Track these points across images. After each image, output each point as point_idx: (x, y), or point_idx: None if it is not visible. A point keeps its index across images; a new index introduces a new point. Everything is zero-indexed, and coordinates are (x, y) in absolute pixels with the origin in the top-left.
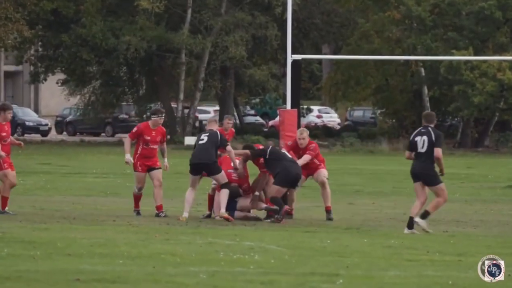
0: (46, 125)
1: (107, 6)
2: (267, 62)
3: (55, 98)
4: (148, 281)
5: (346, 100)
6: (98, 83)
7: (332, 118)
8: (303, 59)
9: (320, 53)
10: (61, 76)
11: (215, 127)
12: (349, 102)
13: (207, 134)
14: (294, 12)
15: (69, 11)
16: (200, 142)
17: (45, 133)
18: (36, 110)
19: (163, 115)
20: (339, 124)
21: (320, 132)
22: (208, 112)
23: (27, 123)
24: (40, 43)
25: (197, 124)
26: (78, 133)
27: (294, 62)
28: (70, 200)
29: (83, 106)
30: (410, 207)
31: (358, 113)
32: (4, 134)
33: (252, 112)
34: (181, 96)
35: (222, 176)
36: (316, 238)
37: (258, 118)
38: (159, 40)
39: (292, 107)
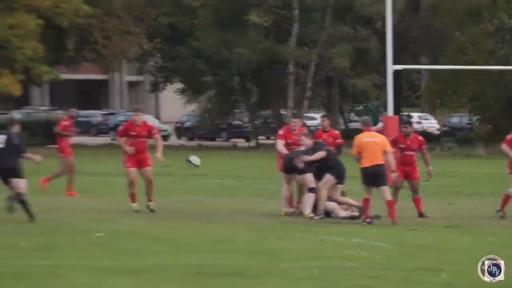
0: (166, 130)
1: (220, 21)
2: (370, 72)
3: (174, 105)
4: (265, 275)
5: (444, 107)
6: (213, 92)
7: (431, 124)
8: (403, 69)
9: (419, 64)
10: (179, 85)
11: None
12: (446, 109)
13: None
14: (393, 26)
15: (185, 25)
16: None
17: (165, 138)
18: (157, 117)
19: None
20: (438, 129)
21: None
22: (315, 119)
23: None
24: (159, 55)
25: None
26: (195, 138)
27: (395, 72)
28: (191, 199)
29: (199, 113)
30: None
31: (455, 120)
32: (134, 133)
33: (356, 118)
34: (290, 104)
35: (309, 180)
36: (419, 236)
37: None
38: (268, 52)
39: (393, 114)
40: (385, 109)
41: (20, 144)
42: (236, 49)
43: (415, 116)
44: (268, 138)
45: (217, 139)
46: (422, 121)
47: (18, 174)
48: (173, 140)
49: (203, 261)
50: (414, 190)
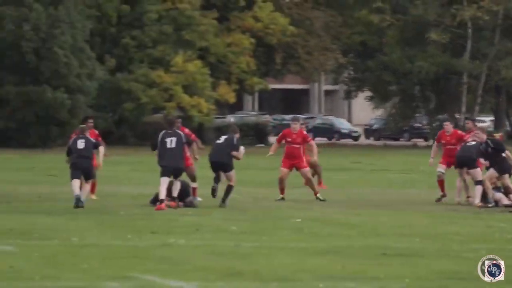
0: (357, 132)
1: (405, 39)
2: None
3: (364, 110)
4: (439, 256)
5: None
6: (397, 99)
7: None
8: None
9: None
10: (368, 93)
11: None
12: None
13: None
14: None
15: (374, 43)
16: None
17: (356, 138)
18: (349, 120)
19: None
20: None
21: None
22: (484, 122)
23: (342, 130)
24: (351, 67)
25: None
26: (381, 138)
27: None
28: (376, 191)
29: (385, 117)
30: None
31: None
32: (290, 140)
33: None
34: (463, 109)
35: (478, 173)
36: None
37: None
38: (445, 65)
39: None
40: None
41: (235, 145)
42: (417, 62)
43: None
44: None
45: (400, 139)
46: None
47: (227, 169)
48: (362, 140)
49: (386, 243)
50: None
